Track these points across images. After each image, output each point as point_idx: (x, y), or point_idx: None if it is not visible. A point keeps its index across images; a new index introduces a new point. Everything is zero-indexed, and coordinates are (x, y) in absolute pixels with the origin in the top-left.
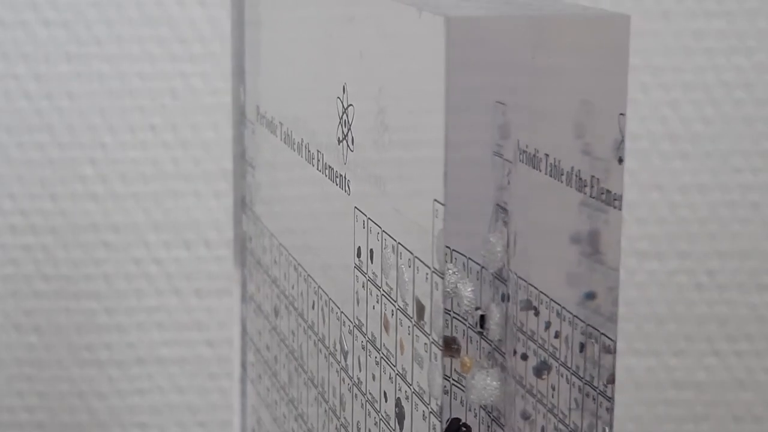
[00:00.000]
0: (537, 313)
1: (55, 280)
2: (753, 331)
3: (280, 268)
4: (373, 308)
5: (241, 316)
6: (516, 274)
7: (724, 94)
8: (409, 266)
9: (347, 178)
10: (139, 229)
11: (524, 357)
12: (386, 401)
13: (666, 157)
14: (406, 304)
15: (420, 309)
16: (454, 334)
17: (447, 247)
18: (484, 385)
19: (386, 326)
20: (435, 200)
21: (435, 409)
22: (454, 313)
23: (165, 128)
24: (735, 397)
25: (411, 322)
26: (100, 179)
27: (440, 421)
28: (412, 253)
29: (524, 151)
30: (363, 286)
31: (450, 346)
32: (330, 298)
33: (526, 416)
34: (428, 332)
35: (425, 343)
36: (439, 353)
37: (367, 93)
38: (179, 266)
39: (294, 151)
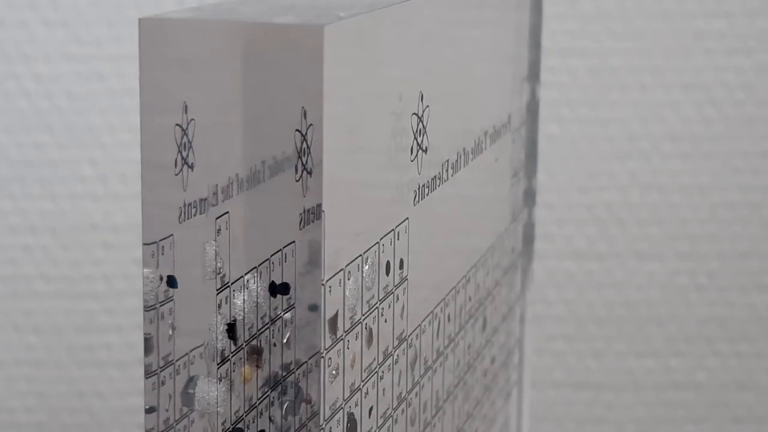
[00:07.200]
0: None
1: (54, 280)
2: (753, 332)
3: None
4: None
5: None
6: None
7: (725, 95)
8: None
9: None
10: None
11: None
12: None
13: (666, 158)
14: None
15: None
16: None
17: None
18: (204, 393)
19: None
20: None
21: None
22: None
23: None
24: (735, 397)
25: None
26: (100, 179)
27: None
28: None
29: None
30: None
31: (251, 356)
32: None
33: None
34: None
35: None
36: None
37: None
38: None
39: None
